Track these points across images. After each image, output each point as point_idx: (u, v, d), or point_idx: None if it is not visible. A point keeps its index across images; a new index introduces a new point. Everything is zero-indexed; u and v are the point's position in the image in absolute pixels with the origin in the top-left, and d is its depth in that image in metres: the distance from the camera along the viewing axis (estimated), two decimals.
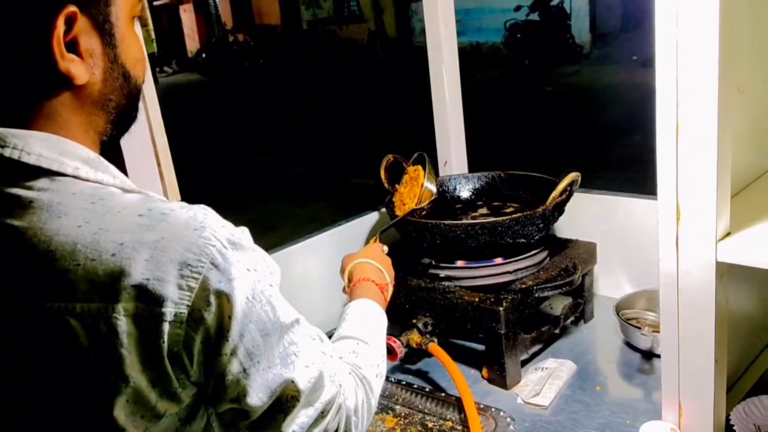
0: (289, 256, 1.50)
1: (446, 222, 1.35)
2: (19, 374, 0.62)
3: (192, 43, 18.82)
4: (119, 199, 0.63)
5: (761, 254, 0.88)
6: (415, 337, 1.29)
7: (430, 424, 1.21)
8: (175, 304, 0.59)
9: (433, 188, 1.43)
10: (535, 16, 10.18)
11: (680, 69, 0.85)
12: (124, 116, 0.71)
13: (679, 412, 1.00)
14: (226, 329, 0.62)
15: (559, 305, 1.43)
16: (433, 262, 1.40)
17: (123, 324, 0.58)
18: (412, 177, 1.49)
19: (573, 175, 1.34)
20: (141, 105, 1.11)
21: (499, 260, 1.36)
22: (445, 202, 1.62)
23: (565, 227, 1.56)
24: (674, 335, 0.96)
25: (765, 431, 1.06)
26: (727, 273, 0.91)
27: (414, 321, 1.32)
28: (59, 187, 0.62)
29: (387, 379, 1.33)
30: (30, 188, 0.61)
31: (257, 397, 0.66)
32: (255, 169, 6.96)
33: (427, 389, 1.30)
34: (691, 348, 0.95)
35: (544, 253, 1.43)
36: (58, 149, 0.63)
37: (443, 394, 1.27)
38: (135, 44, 0.70)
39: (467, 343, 1.43)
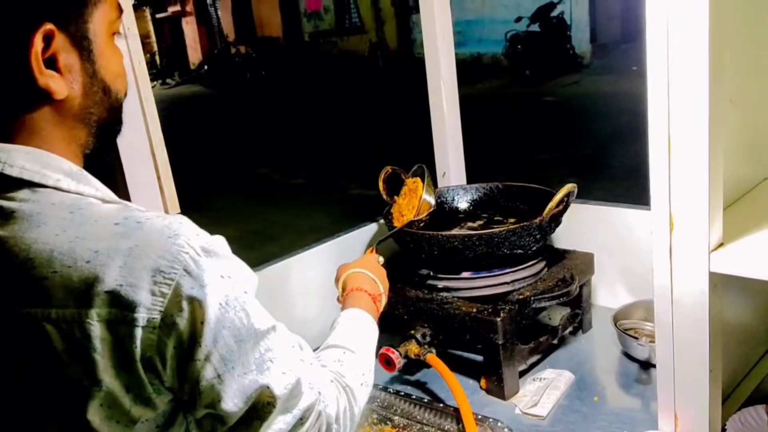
0: (288, 267, 1.51)
1: (444, 233, 1.36)
2: None
3: (194, 55, 18.92)
4: (97, 209, 0.65)
5: (754, 264, 0.89)
6: (413, 348, 1.30)
7: None
8: (147, 310, 0.61)
9: (432, 200, 1.44)
10: (535, 27, 10.22)
11: (671, 82, 0.86)
12: (106, 129, 0.73)
13: (675, 423, 1.00)
14: (199, 335, 0.63)
15: (557, 316, 1.44)
16: (431, 273, 1.41)
17: (96, 329, 0.60)
18: (411, 189, 1.50)
19: (569, 186, 1.35)
20: (141, 119, 1.13)
21: (496, 271, 1.37)
22: (443, 213, 1.63)
23: (562, 238, 1.57)
24: (669, 345, 0.97)
25: None
26: (721, 283, 0.92)
27: (412, 332, 1.32)
28: (40, 197, 0.64)
29: (385, 389, 1.33)
30: (12, 199, 0.64)
31: (232, 402, 0.67)
32: (256, 179, 6.98)
33: (426, 400, 1.30)
34: (686, 358, 0.96)
35: (542, 264, 1.44)
36: (40, 162, 0.66)
37: (441, 405, 1.27)
38: (114, 59, 0.72)
39: (465, 354, 1.44)
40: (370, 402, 1.32)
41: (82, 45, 0.67)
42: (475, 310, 1.29)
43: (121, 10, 0.73)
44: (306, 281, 1.52)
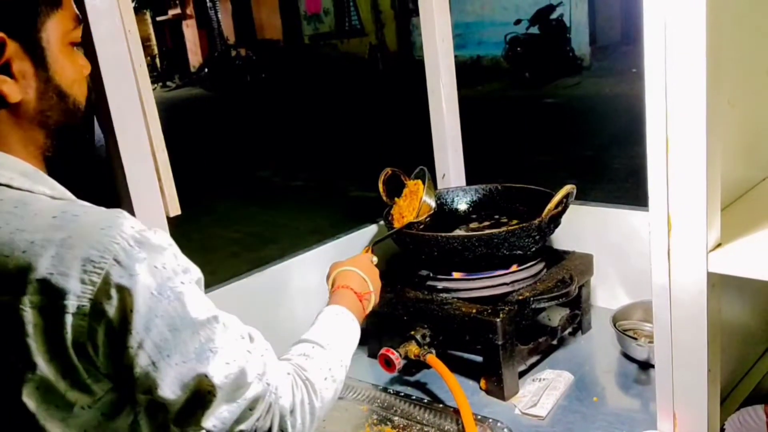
0: (288, 268, 1.52)
1: (443, 234, 1.37)
2: None
3: (194, 57, 18.94)
4: (41, 205, 0.69)
5: (752, 264, 0.89)
6: (413, 349, 1.30)
7: None
8: (77, 297, 0.64)
9: (432, 203, 1.45)
10: (535, 30, 10.23)
11: (669, 82, 0.86)
12: (66, 133, 0.76)
13: (673, 423, 1.01)
14: (129, 322, 0.66)
15: (556, 316, 1.44)
16: (431, 274, 1.42)
17: (29, 315, 0.63)
18: (412, 191, 1.50)
19: (568, 188, 1.35)
20: (141, 120, 1.14)
21: (496, 272, 1.37)
22: (442, 214, 1.64)
23: (562, 239, 1.58)
24: (667, 346, 0.97)
25: None
26: (719, 283, 0.92)
27: (412, 333, 1.33)
28: None
29: (385, 390, 1.34)
30: None
31: (170, 390, 0.69)
32: (257, 182, 6.99)
33: (426, 400, 1.31)
34: (685, 358, 0.96)
35: (541, 265, 1.44)
36: None
37: (441, 406, 1.28)
38: (71, 66, 0.76)
39: (465, 355, 1.44)
40: (370, 402, 1.32)
41: (35, 53, 0.71)
42: (474, 310, 1.29)
43: (79, 21, 0.77)
44: (306, 282, 1.52)
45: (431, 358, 1.28)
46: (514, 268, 1.39)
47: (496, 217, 1.62)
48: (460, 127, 1.80)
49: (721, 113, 0.89)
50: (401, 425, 1.26)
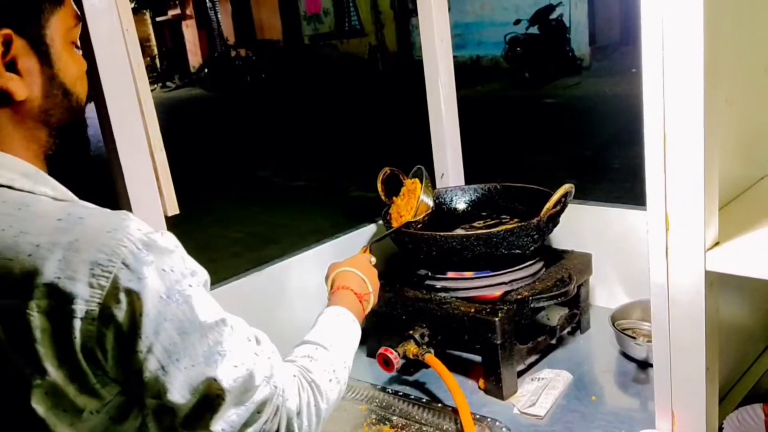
0: (287, 268, 1.52)
1: (442, 234, 1.37)
2: None
3: (194, 58, 18.95)
4: (44, 206, 0.68)
5: (750, 263, 0.89)
6: (411, 348, 1.30)
7: None
8: (86, 302, 0.63)
9: (430, 202, 1.44)
10: (534, 30, 10.23)
11: (667, 81, 0.86)
12: (67, 131, 0.76)
13: (672, 421, 1.01)
14: (138, 326, 0.65)
15: (555, 316, 1.44)
16: (430, 274, 1.42)
17: (36, 320, 0.62)
18: (410, 190, 1.50)
19: (566, 187, 1.35)
20: (140, 121, 1.14)
21: (495, 271, 1.37)
22: (441, 213, 1.64)
23: (560, 238, 1.58)
24: (666, 344, 0.97)
25: None
26: (717, 282, 0.93)
27: (411, 332, 1.33)
28: None
29: (384, 390, 1.34)
30: None
31: (179, 394, 0.68)
32: (257, 182, 7.00)
33: (424, 400, 1.31)
34: (683, 357, 0.96)
35: (540, 264, 1.44)
36: None
37: (440, 405, 1.28)
38: (73, 64, 0.76)
39: (464, 354, 1.44)
40: (369, 402, 1.32)
41: (40, 49, 0.71)
42: (473, 310, 1.29)
43: (79, 19, 0.77)
44: (305, 282, 1.52)
45: (430, 357, 1.28)
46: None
47: (495, 216, 1.62)
48: (458, 127, 1.80)
49: (719, 112, 0.89)
50: (400, 425, 1.26)
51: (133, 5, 1.14)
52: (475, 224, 1.59)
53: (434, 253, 1.36)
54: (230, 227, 5.41)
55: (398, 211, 1.48)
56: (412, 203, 1.45)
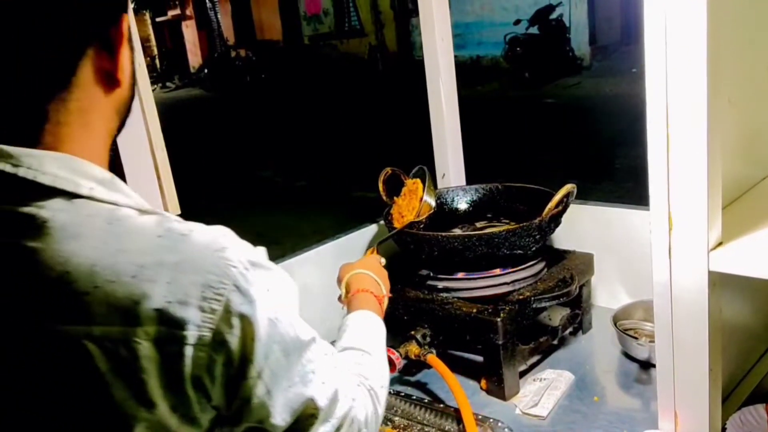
0: (289, 268, 1.51)
1: (444, 234, 1.37)
2: (34, 400, 0.60)
3: (194, 58, 18.96)
4: (136, 221, 0.62)
5: (753, 263, 0.89)
6: (413, 349, 1.30)
7: None
8: (198, 327, 0.58)
9: (432, 202, 1.44)
10: (534, 30, 10.23)
11: (670, 81, 0.86)
12: (122, 128, 0.72)
13: (675, 422, 1.00)
14: (250, 352, 0.62)
15: (557, 316, 1.44)
16: (431, 274, 1.41)
17: (144, 348, 0.57)
18: (411, 190, 1.50)
19: (568, 187, 1.35)
20: (141, 120, 1.13)
21: (496, 271, 1.37)
22: (442, 213, 1.64)
23: (562, 238, 1.57)
24: (668, 344, 0.97)
25: None
26: (720, 282, 0.92)
27: (412, 332, 1.33)
28: (74, 208, 0.60)
29: None
30: (44, 208, 0.59)
31: (281, 417, 0.66)
32: (258, 182, 6.99)
33: (426, 400, 1.30)
34: (686, 357, 0.96)
35: (542, 264, 1.44)
36: (70, 169, 0.62)
37: (442, 405, 1.27)
38: None
39: (466, 355, 1.44)
40: None
41: (130, 39, 0.68)
42: (475, 310, 1.29)
43: None
44: (307, 282, 1.52)
45: (432, 357, 1.28)
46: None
47: (497, 216, 1.62)
48: (459, 127, 1.79)
49: (722, 112, 0.89)
50: (402, 425, 1.25)
51: (133, 5, 1.14)
52: (477, 224, 1.59)
53: (436, 253, 1.36)
54: (231, 227, 5.40)
55: (399, 211, 1.48)
56: (413, 203, 1.45)
